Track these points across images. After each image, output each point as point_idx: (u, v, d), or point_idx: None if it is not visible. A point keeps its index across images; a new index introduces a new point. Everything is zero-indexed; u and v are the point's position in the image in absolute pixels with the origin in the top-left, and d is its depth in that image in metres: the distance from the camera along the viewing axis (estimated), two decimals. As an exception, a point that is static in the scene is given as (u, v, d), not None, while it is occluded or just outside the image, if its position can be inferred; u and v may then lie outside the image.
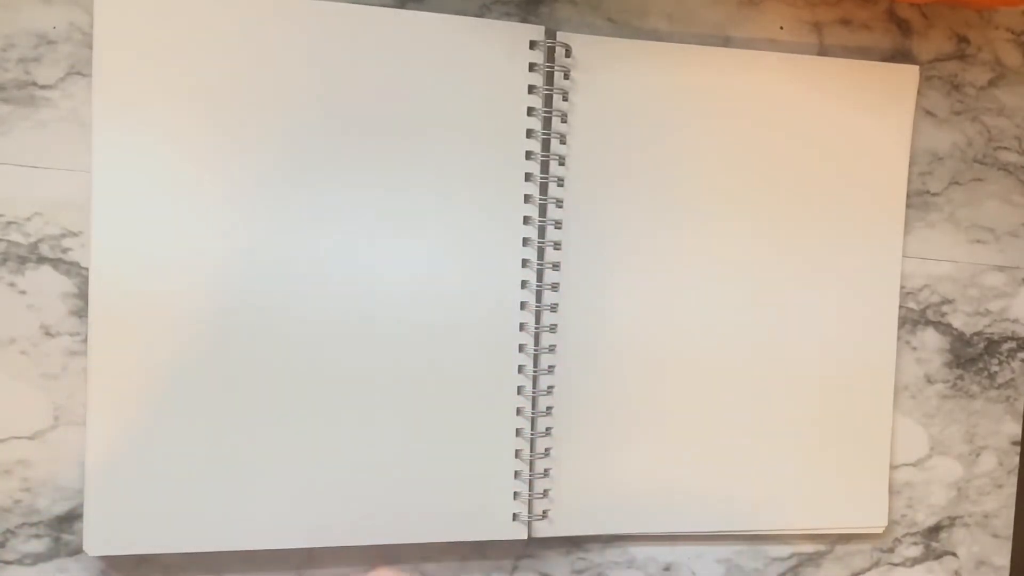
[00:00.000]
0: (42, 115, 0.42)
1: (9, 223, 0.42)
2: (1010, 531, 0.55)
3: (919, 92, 0.52)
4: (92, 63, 0.42)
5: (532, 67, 0.46)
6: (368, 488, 0.45)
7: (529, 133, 0.46)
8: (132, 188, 0.42)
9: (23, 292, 0.43)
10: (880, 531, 0.53)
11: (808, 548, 0.53)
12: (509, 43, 0.46)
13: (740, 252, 0.50)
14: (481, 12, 0.47)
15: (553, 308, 0.47)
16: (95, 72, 0.41)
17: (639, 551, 0.50)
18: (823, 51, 0.51)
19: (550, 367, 0.47)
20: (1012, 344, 0.55)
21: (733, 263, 0.49)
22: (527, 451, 0.47)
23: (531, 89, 0.46)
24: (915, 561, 0.54)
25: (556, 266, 0.47)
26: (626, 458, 0.49)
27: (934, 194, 0.53)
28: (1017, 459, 0.55)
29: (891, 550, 0.54)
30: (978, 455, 0.55)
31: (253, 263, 0.43)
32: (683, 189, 0.49)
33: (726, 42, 0.50)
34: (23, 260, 0.43)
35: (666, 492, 0.49)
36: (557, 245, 0.47)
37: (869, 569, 0.54)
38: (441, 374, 0.46)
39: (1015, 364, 0.55)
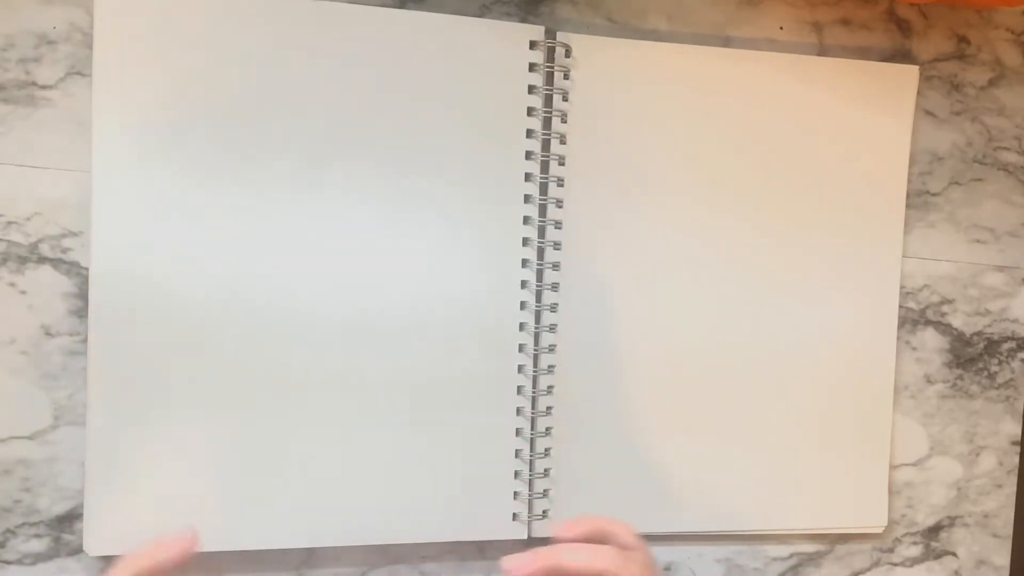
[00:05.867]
0: (42, 115, 0.42)
1: (9, 223, 0.42)
2: (1010, 531, 0.55)
3: (919, 92, 0.52)
4: (92, 63, 0.42)
5: (532, 67, 0.46)
6: (368, 488, 0.45)
7: (529, 133, 0.46)
8: (132, 188, 0.42)
9: (23, 292, 0.43)
10: (880, 531, 0.53)
11: (808, 548, 0.53)
12: (509, 43, 0.46)
13: (740, 252, 0.50)
14: (481, 12, 0.47)
15: (553, 308, 0.47)
16: (95, 72, 0.41)
17: (639, 551, 0.50)
18: (823, 51, 0.51)
19: (550, 367, 0.47)
20: (1012, 344, 0.55)
21: (733, 263, 0.49)
22: (527, 451, 0.47)
23: (531, 89, 0.46)
24: (915, 561, 0.54)
25: (556, 266, 0.47)
26: (626, 458, 0.49)
27: (934, 194, 0.53)
28: (1017, 459, 0.55)
29: (891, 550, 0.54)
30: (978, 455, 0.55)
31: (253, 263, 0.43)
32: (682, 189, 0.49)
33: (726, 42, 0.50)
34: (23, 260, 0.43)
35: (666, 492, 0.49)
36: (557, 245, 0.47)
37: (869, 569, 0.54)
38: (441, 374, 0.46)
39: (1015, 364, 0.55)
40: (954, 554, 0.55)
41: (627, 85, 0.48)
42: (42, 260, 0.43)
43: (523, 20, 0.47)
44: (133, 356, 0.42)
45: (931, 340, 0.53)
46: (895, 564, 0.54)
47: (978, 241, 0.54)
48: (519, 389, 0.47)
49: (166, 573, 0.37)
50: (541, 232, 0.47)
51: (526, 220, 0.46)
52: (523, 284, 0.47)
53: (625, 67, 0.47)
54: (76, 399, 0.43)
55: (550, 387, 0.47)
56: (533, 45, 0.46)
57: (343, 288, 0.44)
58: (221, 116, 0.43)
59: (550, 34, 0.47)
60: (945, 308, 0.53)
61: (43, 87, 0.42)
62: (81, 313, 0.43)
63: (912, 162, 0.52)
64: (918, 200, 0.53)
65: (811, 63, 0.50)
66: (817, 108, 0.50)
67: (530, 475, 0.47)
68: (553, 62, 0.46)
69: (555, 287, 0.47)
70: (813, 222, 0.50)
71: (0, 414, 0.43)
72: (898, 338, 0.52)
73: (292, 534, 0.45)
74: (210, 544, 0.43)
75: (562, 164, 0.47)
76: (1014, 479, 0.55)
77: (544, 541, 0.48)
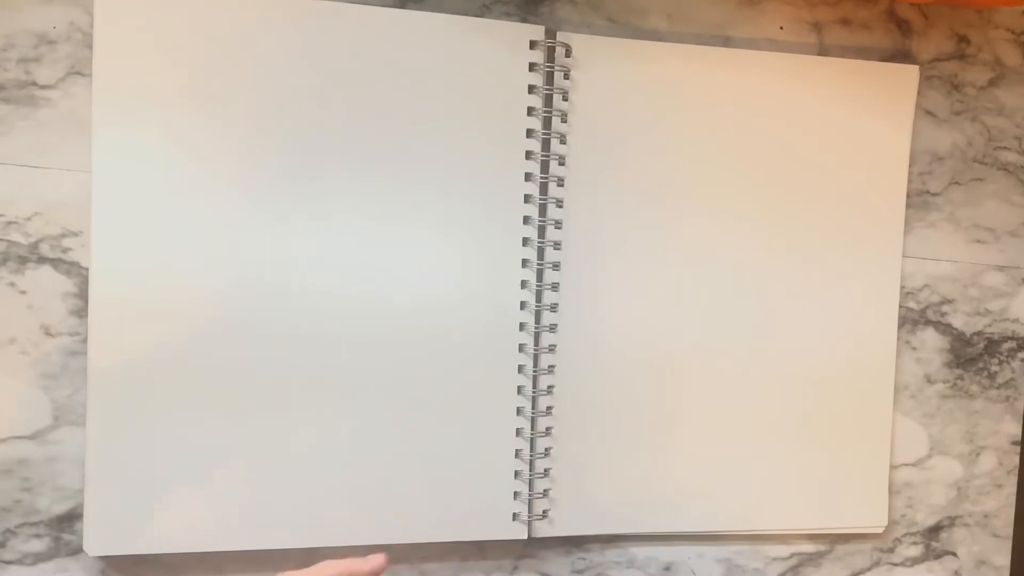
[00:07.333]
0: (42, 115, 0.42)
1: (9, 223, 0.42)
2: (1010, 531, 0.55)
3: (919, 92, 0.52)
4: (92, 63, 0.42)
5: (532, 67, 0.46)
6: (368, 488, 0.45)
7: (529, 133, 0.46)
8: (132, 188, 0.42)
9: (23, 292, 0.43)
10: (880, 531, 0.53)
11: (808, 548, 0.53)
12: (509, 43, 0.46)
13: (740, 252, 0.50)
14: (481, 12, 0.47)
15: (553, 308, 0.47)
16: (95, 72, 0.41)
17: (639, 551, 0.50)
18: (823, 51, 0.51)
19: (550, 367, 0.47)
20: (1012, 344, 0.55)
21: (733, 263, 0.49)
22: (527, 451, 0.47)
23: (531, 89, 0.46)
24: (915, 561, 0.54)
25: (556, 266, 0.47)
26: (626, 458, 0.49)
27: (934, 194, 0.53)
28: (1017, 459, 0.55)
29: (891, 550, 0.54)
30: (978, 455, 0.55)
31: (253, 263, 0.43)
32: (683, 189, 0.49)
33: (726, 42, 0.50)
34: (23, 260, 0.43)
35: (666, 492, 0.49)
36: (557, 245, 0.47)
37: (869, 569, 0.54)
38: (441, 374, 0.46)
39: (1015, 364, 0.55)
40: (954, 554, 0.55)
41: (627, 85, 0.48)
42: (42, 260, 0.43)
43: (523, 20, 0.47)
44: (133, 356, 0.42)
45: (931, 340, 0.53)
46: (895, 564, 0.54)
47: (978, 241, 0.54)
48: (519, 389, 0.47)
49: None
50: (541, 232, 0.47)
51: (526, 220, 0.46)
52: (523, 284, 0.47)
53: (625, 67, 0.47)
54: (76, 399, 0.43)
55: (550, 387, 0.47)
56: (533, 45, 0.46)
57: (343, 288, 0.44)
58: (221, 116, 0.43)
59: (550, 34, 0.47)
60: (945, 308, 0.53)
61: (43, 87, 0.42)
62: (81, 313, 0.43)
63: (912, 162, 0.52)
64: (918, 200, 0.53)
65: (811, 63, 0.50)
66: (817, 108, 0.50)
67: (530, 475, 0.47)
68: (553, 62, 0.46)
69: (555, 287, 0.47)
70: (813, 222, 0.50)
71: (0, 414, 0.43)
72: (898, 338, 0.52)
73: (292, 534, 0.45)
74: (210, 544, 0.44)
75: (562, 164, 0.47)
76: (1014, 479, 0.55)
77: (544, 541, 0.49)
